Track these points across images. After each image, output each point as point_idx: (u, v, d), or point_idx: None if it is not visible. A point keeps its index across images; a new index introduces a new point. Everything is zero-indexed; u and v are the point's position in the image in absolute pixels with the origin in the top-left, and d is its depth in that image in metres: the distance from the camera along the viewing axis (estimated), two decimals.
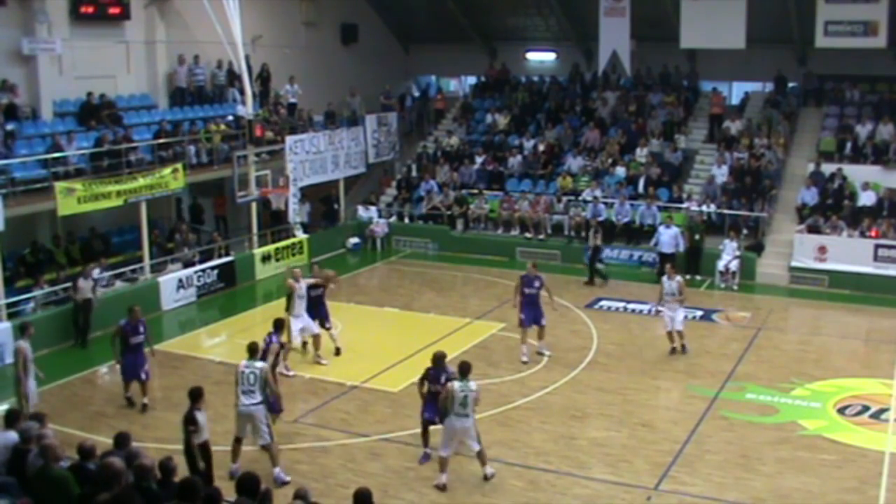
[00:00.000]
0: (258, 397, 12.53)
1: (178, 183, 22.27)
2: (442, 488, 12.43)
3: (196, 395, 11.69)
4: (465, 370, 12.53)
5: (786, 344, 19.32)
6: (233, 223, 27.03)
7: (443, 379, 12.79)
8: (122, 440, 9.61)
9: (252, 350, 12.93)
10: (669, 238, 23.49)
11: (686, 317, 18.58)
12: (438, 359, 13.18)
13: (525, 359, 17.50)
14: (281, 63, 28.85)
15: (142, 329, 15.44)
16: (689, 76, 30.92)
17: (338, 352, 17.87)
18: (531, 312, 17.57)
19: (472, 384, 12.45)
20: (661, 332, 19.70)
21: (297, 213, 25.99)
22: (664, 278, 18.32)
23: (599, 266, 23.65)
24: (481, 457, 12.69)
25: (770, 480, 12.80)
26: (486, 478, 12.68)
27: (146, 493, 8.00)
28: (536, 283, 17.64)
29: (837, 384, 16.50)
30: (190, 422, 11.53)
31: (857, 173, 25.03)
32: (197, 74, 26.37)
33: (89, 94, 23.19)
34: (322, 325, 17.70)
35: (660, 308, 18.42)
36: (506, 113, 31.18)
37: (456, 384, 12.38)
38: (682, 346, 18.17)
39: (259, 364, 12.75)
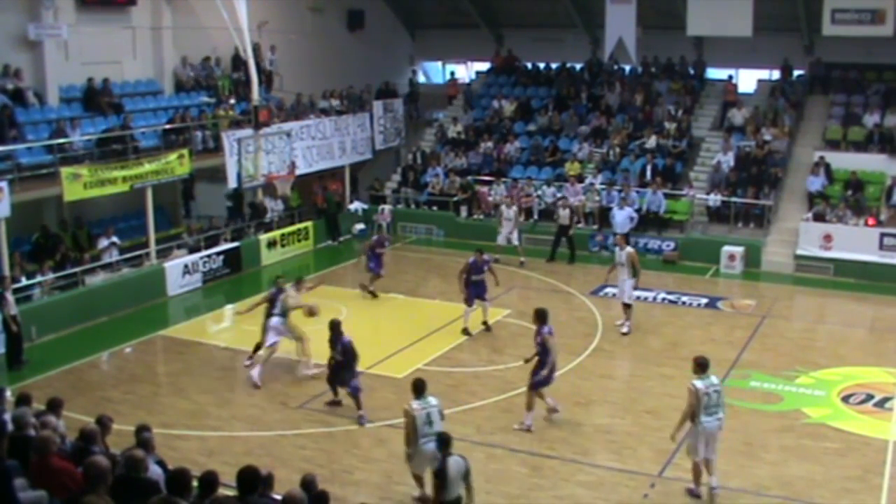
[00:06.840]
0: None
1: (184, 168, 22.30)
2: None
3: None
4: (704, 365, 11.42)
5: (790, 332, 19.32)
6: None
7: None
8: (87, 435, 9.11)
9: None
10: (623, 219, 24.06)
11: (634, 288, 18.52)
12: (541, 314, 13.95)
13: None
14: (287, 49, 28.79)
15: None
16: (695, 64, 30.81)
17: None
18: (475, 290, 18.50)
19: (715, 378, 11.53)
20: (666, 319, 19.83)
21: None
22: (616, 249, 19.07)
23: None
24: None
25: (773, 468, 12.84)
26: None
27: (137, 484, 7.81)
28: (485, 268, 18.64)
29: (842, 372, 16.50)
30: None
31: (863, 162, 25.00)
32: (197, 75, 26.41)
33: (90, 79, 23.12)
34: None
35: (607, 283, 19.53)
36: (512, 99, 31.13)
37: (698, 383, 11.25)
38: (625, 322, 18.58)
39: None
